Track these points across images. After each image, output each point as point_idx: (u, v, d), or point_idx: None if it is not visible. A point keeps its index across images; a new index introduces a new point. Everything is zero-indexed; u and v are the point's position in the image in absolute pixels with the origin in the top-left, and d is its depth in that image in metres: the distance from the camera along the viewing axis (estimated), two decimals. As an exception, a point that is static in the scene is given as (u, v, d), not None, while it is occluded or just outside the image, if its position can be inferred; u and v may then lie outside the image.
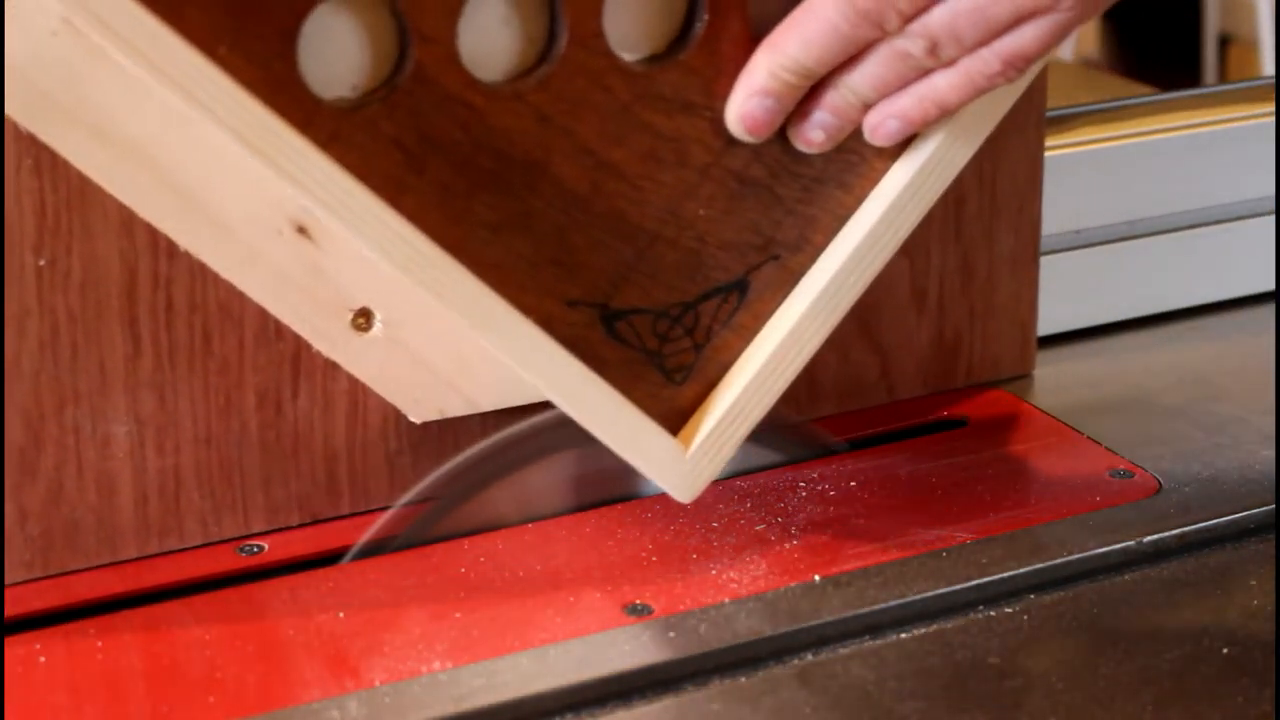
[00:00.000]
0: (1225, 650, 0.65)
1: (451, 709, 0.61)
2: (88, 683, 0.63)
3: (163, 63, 0.58)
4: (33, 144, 0.63)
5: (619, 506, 0.74)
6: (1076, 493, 0.75)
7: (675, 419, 0.69)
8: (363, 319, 0.69)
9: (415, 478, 0.74)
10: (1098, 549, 0.71)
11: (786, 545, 0.71)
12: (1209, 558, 0.72)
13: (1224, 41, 2.76)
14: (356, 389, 0.72)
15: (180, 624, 0.66)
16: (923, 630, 0.67)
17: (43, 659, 0.64)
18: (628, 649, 0.65)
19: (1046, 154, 0.86)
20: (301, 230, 0.66)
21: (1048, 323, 0.91)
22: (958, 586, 0.68)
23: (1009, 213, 0.85)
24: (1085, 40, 2.97)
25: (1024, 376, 0.87)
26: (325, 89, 0.62)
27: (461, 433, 0.74)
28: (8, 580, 0.69)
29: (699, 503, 0.74)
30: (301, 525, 0.73)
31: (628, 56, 0.66)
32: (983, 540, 0.71)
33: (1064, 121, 0.94)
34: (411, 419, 0.73)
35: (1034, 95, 0.83)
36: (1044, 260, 0.89)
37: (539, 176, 0.65)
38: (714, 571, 0.69)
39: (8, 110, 0.62)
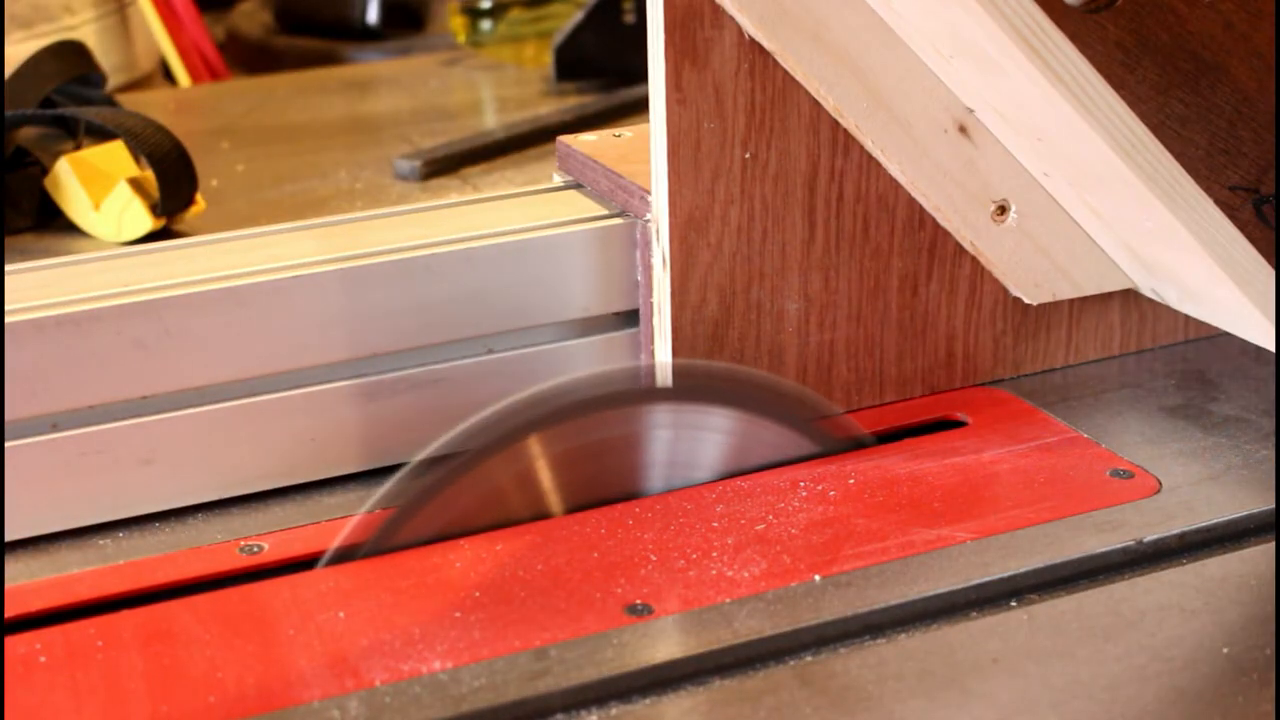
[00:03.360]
0: (1225, 650, 0.65)
1: (451, 709, 0.62)
2: (88, 683, 0.63)
3: None
4: (751, 50, 0.74)
5: (619, 506, 0.74)
6: (1076, 493, 0.75)
7: None
8: (1000, 211, 0.80)
9: (1015, 358, 0.85)
10: (1098, 549, 0.71)
11: (786, 545, 0.71)
12: (1209, 558, 0.72)
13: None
14: (976, 275, 0.82)
15: (180, 624, 0.67)
16: (923, 630, 0.67)
17: (43, 659, 0.64)
18: (628, 649, 0.65)
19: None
20: (962, 129, 0.77)
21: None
22: (958, 586, 0.68)
23: None
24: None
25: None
26: None
27: (1053, 316, 0.85)
28: None
29: (699, 502, 0.74)
30: (302, 525, 0.73)
31: None
32: (983, 540, 0.72)
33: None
34: (1027, 301, 0.83)
35: None
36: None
37: (1220, 76, 0.71)
38: (714, 571, 0.69)
39: (746, 20, 0.73)
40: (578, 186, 0.85)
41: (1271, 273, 0.74)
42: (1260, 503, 0.74)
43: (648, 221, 0.79)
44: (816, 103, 0.76)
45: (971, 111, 0.77)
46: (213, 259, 0.77)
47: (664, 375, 0.79)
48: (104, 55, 1.48)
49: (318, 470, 0.77)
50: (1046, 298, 0.83)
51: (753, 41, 0.74)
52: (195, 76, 1.74)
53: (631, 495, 0.75)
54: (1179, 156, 0.71)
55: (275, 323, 0.75)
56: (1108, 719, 0.62)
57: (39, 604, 0.68)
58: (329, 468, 0.78)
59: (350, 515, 0.74)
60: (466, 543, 0.72)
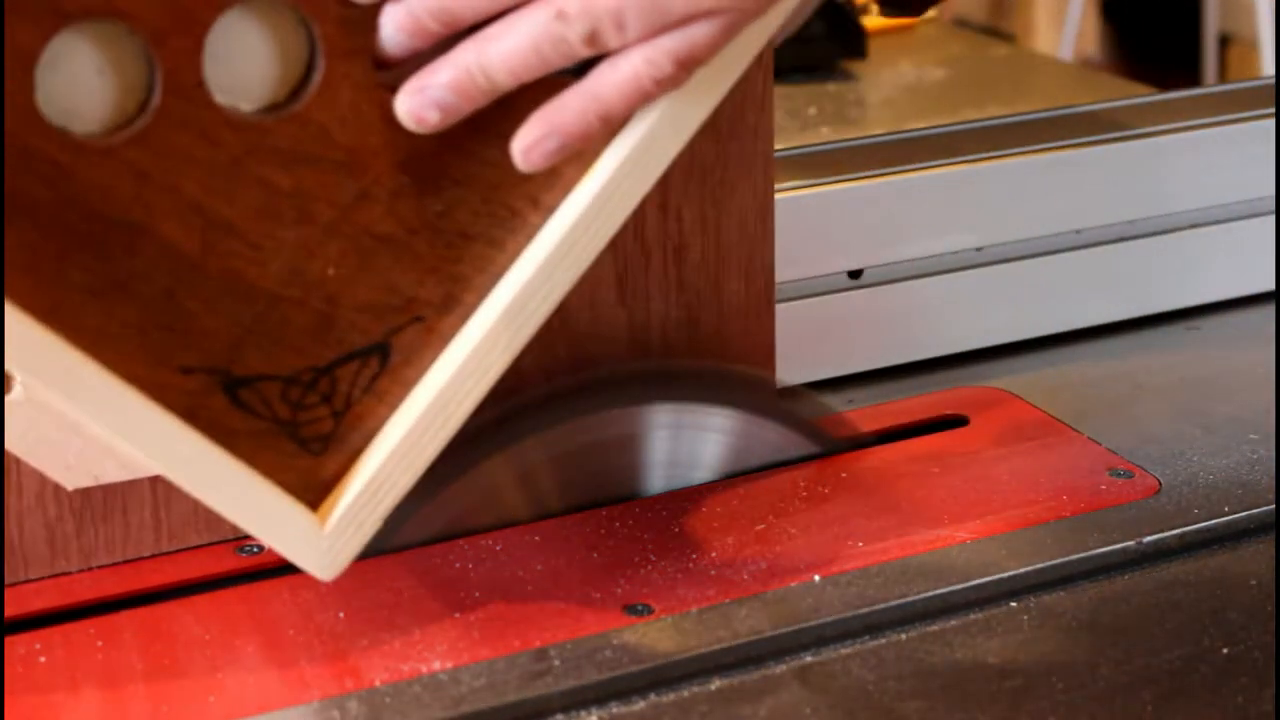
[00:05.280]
0: (1225, 650, 0.65)
1: (451, 709, 0.62)
2: (88, 683, 0.63)
3: None
4: None
5: (619, 506, 0.74)
6: (1076, 493, 0.75)
7: (317, 491, 0.65)
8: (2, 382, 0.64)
9: (80, 545, 0.70)
10: (1098, 549, 0.71)
11: (786, 545, 0.71)
12: (1209, 558, 0.72)
13: (1224, 41, 2.77)
14: (9, 457, 0.67)
15: (180, 624, 0.67)
16: (923, 630, 0.67)
17: (43, 659, 0.64)
18: (628, 649, 0.65)
19: (1051, 154, 0.86)
20: None
21: (1048, 322, 0.91)
22: (958, 586, 0.68)
23: (738, 260, 0.78)
24: (1085, 40, 2.97)
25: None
26: None
27: (130, 496, 0.70)
28: None
29: (699, 502, 0.74)
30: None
31: (244, 107, 0.62)
32: (983, 540, 0.72)
33: (1063, 122, 0.94)
34: (65, 486, 0.68)
35: (761, 134, 0.76)
36: (1044, 260, 0.89)
37: (140, 237, 0.60)
38: (714, 571, 0.69)
39: None
40: None
41: (244, 472, 0.62)
42: (1260, 503, 0.74)
43: None
44: None
45: None
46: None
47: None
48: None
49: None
50: (87, 481, 0.69)
51: None
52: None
53: (631, 495, 0.75)
54: (93, 336, 0.59)
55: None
56: (1108, 718, 0.62)
57: (39, 604, 0.68)
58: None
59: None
60: (466, 543, 0.72)
